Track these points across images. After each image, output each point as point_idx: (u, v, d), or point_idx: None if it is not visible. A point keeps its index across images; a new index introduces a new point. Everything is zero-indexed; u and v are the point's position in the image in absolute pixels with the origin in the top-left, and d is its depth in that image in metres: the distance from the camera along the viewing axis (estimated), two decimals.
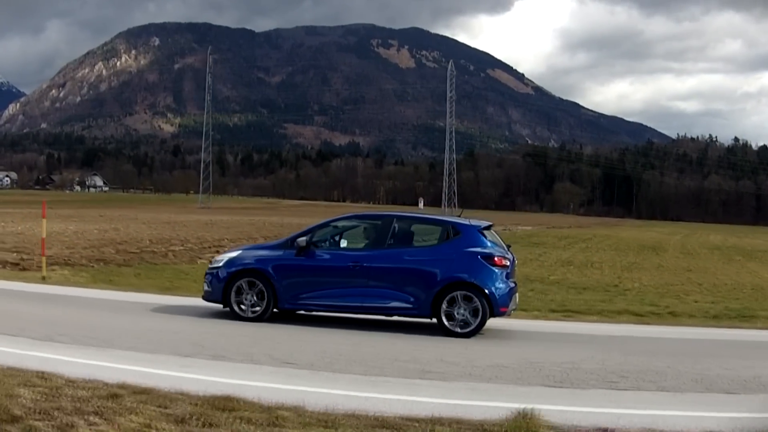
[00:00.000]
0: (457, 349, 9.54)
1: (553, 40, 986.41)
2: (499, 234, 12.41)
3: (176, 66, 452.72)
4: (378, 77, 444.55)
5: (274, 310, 11.35)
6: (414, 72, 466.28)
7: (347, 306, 11.25)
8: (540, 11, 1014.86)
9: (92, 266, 18.86)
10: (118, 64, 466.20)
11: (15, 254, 20.43)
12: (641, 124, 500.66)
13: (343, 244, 11.76)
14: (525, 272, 22.39)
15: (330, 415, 5.88)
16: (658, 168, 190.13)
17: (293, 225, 37.32)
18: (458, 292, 10.75)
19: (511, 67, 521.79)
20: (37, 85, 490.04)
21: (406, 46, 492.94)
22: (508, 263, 11.14)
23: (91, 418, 5.44)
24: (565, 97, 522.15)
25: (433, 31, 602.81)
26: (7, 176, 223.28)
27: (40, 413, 5.43)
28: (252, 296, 11.29)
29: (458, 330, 10.68)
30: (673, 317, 13.82)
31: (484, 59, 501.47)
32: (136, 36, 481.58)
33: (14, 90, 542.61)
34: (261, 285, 11.25)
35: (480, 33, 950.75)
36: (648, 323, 13.06)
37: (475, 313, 10.70)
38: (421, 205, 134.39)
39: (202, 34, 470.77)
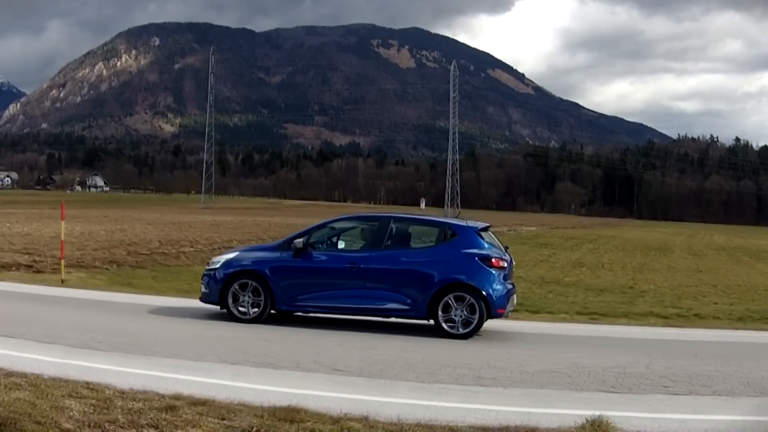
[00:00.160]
0: (502, 354, 9.47)
1: (553, 40, 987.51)
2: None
3: (176, 66, 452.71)
4: (378, 77, 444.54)
5: (272, 311, 11.34)
6: (414, 72, 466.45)
7: (344, 307, 11.23)
8: (540, 11, 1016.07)
9: (106, 268, 18.71)
10: (119, 64, 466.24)
11: (27, 256, 20.26)
12: (642, 124, 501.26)
13: (341, 245, 11.74)
14: (539, 273, 22.34)
15: (400, 426, 5.76)
16: (659, 168, 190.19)
17: (298, 225, 37.15)
18: (455, 294, 10.73)
19: (512, 67, 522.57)
20: (38, 85, 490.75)
21: (407, 46, 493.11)
22: (506, 265, 11.13)
23: (148, 431, 5.25)
24: (565, 97, 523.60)
25: (434, 31, 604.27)
26: (7, 176, 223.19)
27: (91, 426, 5.21)
28: (249, 298, 11.29)
29: (455, 331, 10.66)
30: (699, 319, 13.80)
31: (485, 59, 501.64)
32: (137, 36, 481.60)
33: (14, 90, 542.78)
34: (258, 286, 11.24)
35: (480, 33, 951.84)
36: (677, 326, 13.04)
37: (472, 314, 10.67)
38: (422, 205, 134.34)
39: (202, 34, 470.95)
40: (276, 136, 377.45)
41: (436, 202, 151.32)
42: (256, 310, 11.24)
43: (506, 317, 11.26)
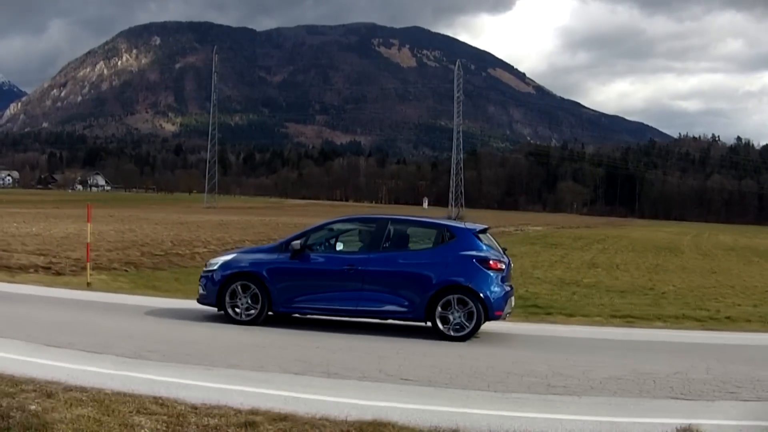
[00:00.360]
0: (561, 360, 9.38)
1: (554, 40, 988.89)
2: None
3: (177, 65, 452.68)
4: (379, 76, 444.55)
5: (269, 313, 11.32)
6: (415, 71, 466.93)
7: (341, 309, 11.19)
8: (541, 10, 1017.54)
9: (125, 270, 18.57)
10: (120, 63, 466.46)
11: (42, 257, 20.10)
12: (642, 124, 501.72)
13: (339, 247, 11.68)
14: (556, 274, 22.24)
15: None
16: (660, 167, 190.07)
17: (305, 225, 37.12)
18: (453, 296, 10.68)
19: (513, 67, 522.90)
20: (39, 85, 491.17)
21: (408, 46, 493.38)
22: (504, 267, 11.07)
23: None
24: (566, 97, 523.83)
25: (435, 30, 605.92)
26: (9, 175, 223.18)
27: None
28: (246, 299, 11.25)
29: (453, 334, 10.60)
30: (731, 322, 13.73)
31: (486, 58, 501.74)
32: (138, 35, 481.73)
33: (15, 89, 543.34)
34: (255, 288, 11.20)
35: (481, 32, 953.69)
36: (713, 329, 13.00)
37: (470, 316, 10.62)
38: (425, 204, 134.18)
39: (203, 33, 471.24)
40: (277, 135, 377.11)
41: (438, 201, 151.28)
42: (253, 312, 11.21)
43: (504, 319, 11.21)
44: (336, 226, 12.02)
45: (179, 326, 10.92)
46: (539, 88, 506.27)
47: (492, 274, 10.79)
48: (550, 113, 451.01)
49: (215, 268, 11.60)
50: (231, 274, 11.37)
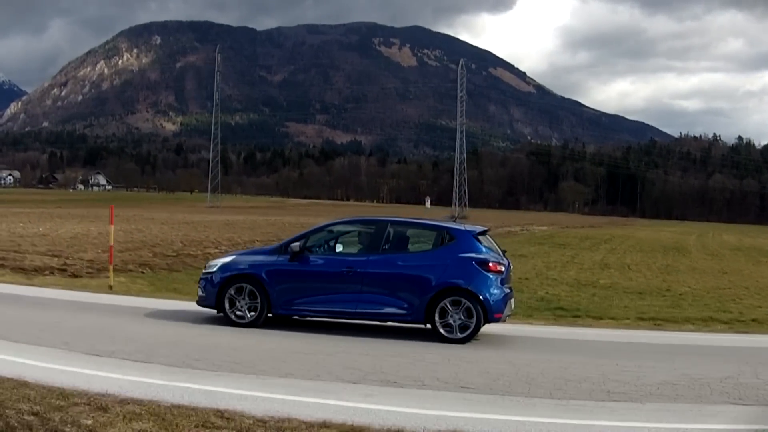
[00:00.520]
0: (610, 365, 9.32)
1: (554, 39, 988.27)
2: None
3: (178, 65, 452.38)
4: (380, 76, 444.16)
5: (268, 315, 11.30)
6: (416, 70, 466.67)
7: (341, 312, 11.17)
8: (542, 10, 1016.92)
9: (142, 272, 18.50)
10: (120, 62, 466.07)
11: (55, 258, 20.02)
12: (643, 123, 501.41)
13: (339, 248, 11.66)
14: (571, 275, 22.19)
15: None
16: (661, 167, 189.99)
17: (311, 225, 37.18)
18: (453, 298, 10.67)
19: (513, 66, 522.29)
20: (39, 84, 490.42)
21: (408, 45, 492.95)
22: (503, 269, 11.06)
23: None
24: (566, 96, 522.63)
25: (435, 29, 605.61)
26: (10, 175, 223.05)
27: None
28: (246, 301, 11.26)
29: (452, 336, 10.60)
30: (758, 324, 13.73)
31: (486, 58, 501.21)
32: (138, 35, 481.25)
33: (16, 88, 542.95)
34: (255, 290, 11.21)
35: (482, 31, 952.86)
36: (743, 331, 12.99)
37: (469, 319, 10.62)
38: (428, 204, 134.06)
39: (203, 32, 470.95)
40: (278, 135, 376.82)
41: (440, 200, 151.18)
42: (253, 314, 11.21)
43: (503, 321, 11.18)
44: (336, 228, 12.04)
45: (216, 332, 10.76)
46: (540, 88, 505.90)
47: (491, 276, 10.79)
48: (551, 112, 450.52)
49: (214, 270, 11.61)
50: (230, 276, 11.38)
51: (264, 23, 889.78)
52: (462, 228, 11.49)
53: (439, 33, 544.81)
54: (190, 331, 10.78)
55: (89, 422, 5.56)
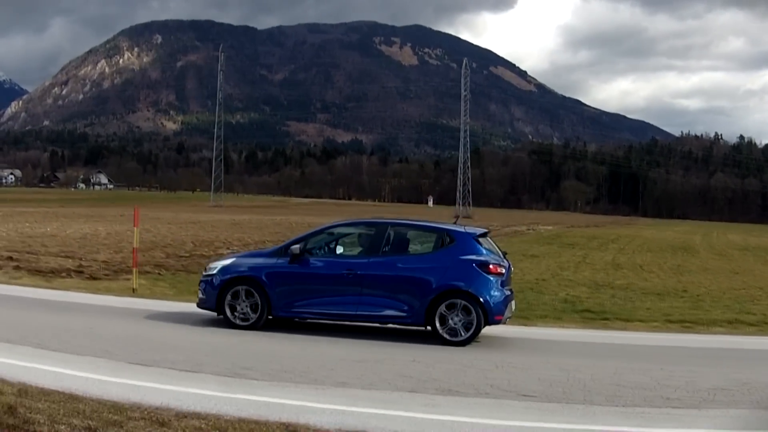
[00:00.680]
0: (657, 370, 9.25)
1: (555, 38, 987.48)
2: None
3: (179, 64, 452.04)
4: (381, 75, 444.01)
5: (269, 317, 11.29)
6: (417, 69, 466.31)
7: (341, 314, 11.16)
8: (543, 8, 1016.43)
9: (158, 273, 18.40)
10: (121, 61, 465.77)
11: (69, 260, 19.99)
12: (644, 122, 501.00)
13: (339, 250, 11.66)
14: (586, 276, 22.14)
15: None
16: (663, 166, 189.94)
17: (317, 224, 37.18)
18: (453, 300, 10.68)
19: (514, 65, 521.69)
20: (40, 83, 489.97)
21: (409, 44, 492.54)
22: (504, 271, 11.08)
23: None
24: (567, 95, 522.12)
25: (436, 28, 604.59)
26: (11, 174, 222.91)
27: None
28: (246, 304, 11.27)
29: (452, 338, 10.60)
30: None
31: (487, 57, 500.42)
32: (139, 34, 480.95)
33: (17, 87, 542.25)
34: (254, 292, 11.25)
35: (483, 30, 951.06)
36: None
37: (469, 321, 10.66)
38: (430, 203, 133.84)
39: (204, 31, 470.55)
40: (278, 134, 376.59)
41: (442, 199, 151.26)
42: (253, 316, 11.22)
43: (504, 323, 11.16)
44: (336, 230, 12.06)
45: (256, 338, 10.56)
46: (541, 86, 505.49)
47: (492, 278, 10.80)
48: (552, 111, 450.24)
49: (215, 272, 11.62)
50: (230, 279, 11.40)
51: (265, 22, 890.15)
52: (462, 230, 11.48)
53: (440, 32, 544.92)
54: (229, 337, 10.59)
55: None
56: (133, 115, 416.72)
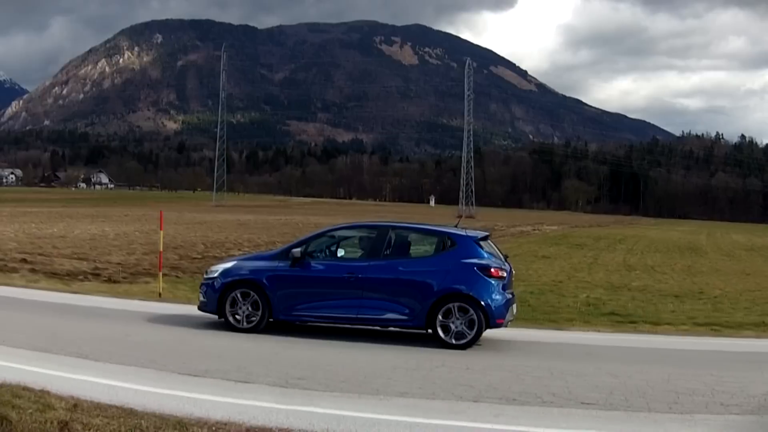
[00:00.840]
0: (706, 375, 9.18)
1: (556, 37, 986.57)
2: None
3: (179, 63, 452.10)
4: (381, 74, 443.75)
5: (270, 320, 11.28)
6: (417, 69, 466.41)
7: (342, 317, 11.14)
8: (543, 8, 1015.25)
9: (176, 276, 18.31)
10: (121, 61, 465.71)
11: (84, 262, 19.92)
12: (644, 121, 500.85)
13: (340, 254, 11.63)
14: (601, 278, 22.10)
15: None
16: (664, 165, 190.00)
17: (323, 224, 37.10)
18: (454, 304, 10.64)
19: (515, 64, 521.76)
20: (41, 83, 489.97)
21: (409, 43, 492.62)
22: (505, 274, 11.04)
23: None
24: (568, 94, 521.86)
25: (436, 27, 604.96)
26: (12, 173, 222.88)
27: None
28: (247, 307, 11.24)
29: (454, 342, 10.58)
30: None
31: (488, 56, 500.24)
32: (139, 33, 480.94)
33: (17, 87, 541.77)
34: (255, 296, 11.20)
35: (483, 30, 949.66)
36: None
37: (471, 324, 10.61)
38: (432, 202, 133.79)
39: (205, 31, 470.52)
40: (279, 133, 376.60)
41: (443, 199, 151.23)
42: (254, 319, 11.20)
43: (505, 327, 11.11)
44: (337, 233, 12.03)
45: (299, 345, 10.37)
46: (541, 86, 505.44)
47: (493, 281, 10.77)
48: (552, 111, 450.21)
49: (216, 275, 11.60)
50: (231, 282, 11.37)
51: (265, 21, 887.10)
52: (464, 233, 11.43)
53: (440, 31, 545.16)
54: (273, 344, 10.40)
55: None
56: (134, 115, 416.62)
